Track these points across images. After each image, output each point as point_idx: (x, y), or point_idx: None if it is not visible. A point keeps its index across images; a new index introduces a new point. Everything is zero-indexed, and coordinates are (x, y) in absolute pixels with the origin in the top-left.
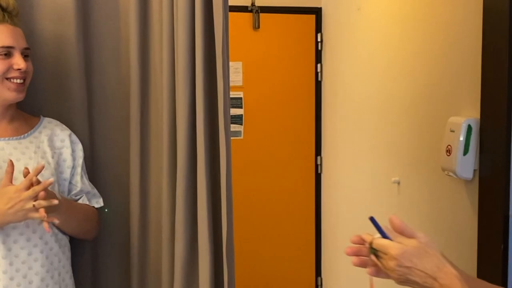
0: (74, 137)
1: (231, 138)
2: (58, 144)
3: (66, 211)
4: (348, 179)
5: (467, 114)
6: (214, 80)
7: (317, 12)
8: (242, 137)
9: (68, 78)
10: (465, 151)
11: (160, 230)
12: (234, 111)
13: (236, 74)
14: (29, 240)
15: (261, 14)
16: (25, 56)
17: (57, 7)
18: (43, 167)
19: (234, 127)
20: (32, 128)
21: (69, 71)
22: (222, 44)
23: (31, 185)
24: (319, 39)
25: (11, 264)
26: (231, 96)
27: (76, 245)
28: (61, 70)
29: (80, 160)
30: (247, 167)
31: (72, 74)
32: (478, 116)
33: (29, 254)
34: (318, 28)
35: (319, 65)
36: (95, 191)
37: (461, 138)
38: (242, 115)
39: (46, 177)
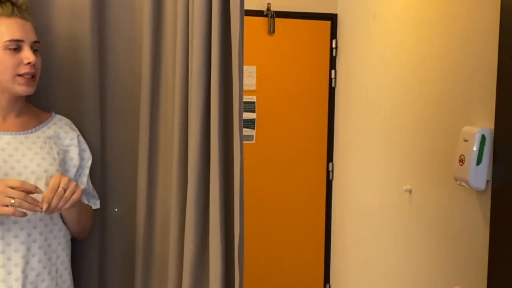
0: (83, 139)
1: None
2: (66, 142)
3: (78, 207)
4: (360, 187)
5: (481, 124)
6: (229, 83)
7: (332, 18)
8: (254, 141)
9: (81, 75)
10: (478, 161)
11: (166, 230)
12: (246, 115)
13: (250, 78)
14: (29, 235)
15: (276, 19)
16: (34, 50)
17: (73, 5)
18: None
19: (246, 131)
20: (41, 123)
21: (82, 68)
22: (238, 48)
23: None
24: (333, 46)
25: (9, 259)
26: (244, 100)
27: (83, 244)
28: (75, 67)
29: (89, 162)
30: (258, 171)
31: (85, 72)
32: (492, 126)
33: (28, 249)
34: (333, 35)
35: (333, 71)
36: (95, 193)
37: (475, 148)
38: (254, 119)
39: (51, 173)
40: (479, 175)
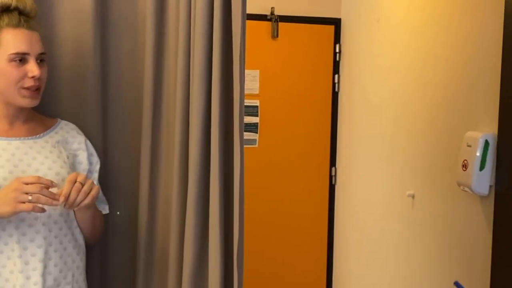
0: (90, 143)
1: (246, 146)
2: (74, 146)
3: (94, 209)
4: (362, 191)
5: (484, 129)
6: (230, 87)
7: (336, 23)
8: (257, 145)
9: (84, 80)
10: (482, 167)
11: (167, 234)
12: (249, 119)
13: (253, 82)
14: (46, 239)
15: (280, 23)
16: (40, 61)
17: (76, 10)
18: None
19: (249, 135)
20: (48, 128)
21: (85, 73)
22: (239, 52)
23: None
24: (337, 50)
25: (26, 263)
26: (247, 104)
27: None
28: (78, 72)
29: (97, 166)
30: (261, 175)
31: (88, 76)
32: (496, 131)
33: (45, 252)
34: (337, 39)
35: (336, 76)
36: (104, 198)
37: (478, 154)
38: (257, 123)
39: (63, 176)
40: (482, 181)
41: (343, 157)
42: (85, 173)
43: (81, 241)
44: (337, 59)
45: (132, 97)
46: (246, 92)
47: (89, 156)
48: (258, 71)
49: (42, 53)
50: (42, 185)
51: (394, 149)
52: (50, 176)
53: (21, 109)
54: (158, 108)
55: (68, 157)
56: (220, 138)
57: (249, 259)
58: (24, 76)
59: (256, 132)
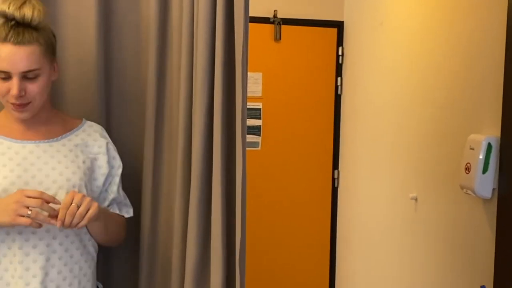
0: (113, 146)
1: (249, 148)
2: (95, 149)
3: (103, 219)
4: (365, 194)
5: (487, 132)
6: (233, 89)
7: (339, 25)
8: (259, 148)
9: (88, 82)
10: (485, 170)
11: (170, 236)
12: (252, 122)
13: (256, 84)
14: (49, 246)
15: (282, 26)
16: (29, 78)
17: (79, 12)
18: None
19: (252, 138)
20: (68, 131)
21: (88, 75)
22: (242, 54)
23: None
24: (340, 53)
25: (27, 269)
26: (250, 106)
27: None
28: (81, 74)
29: (119, 170)
30: (263, 178)
31: (91, 79)
32: (499, 134)
33: (47, 260)
34: (340, 42)
35: (339, 78)
36: (127, 201)
37: (481, 156)
38: (260, 126)
39: (74, 182)
40: (485, 184)
41: (346, 160)
42: (103, 177)
43: (90, 248)
44: (340, 61)
45: (135, 101)
46: (248, 94)
47: (111, 159)
48: (260, 73)
49: (30, 71)
50: (43, 200)
51: (397, 152)
52: (60, 182)
53: (38, 110)
54: (160, 111)
55: (84, 162)
56: (223, 141)
57: (252, 262)
58: (8, 91)
59: (259, 135)
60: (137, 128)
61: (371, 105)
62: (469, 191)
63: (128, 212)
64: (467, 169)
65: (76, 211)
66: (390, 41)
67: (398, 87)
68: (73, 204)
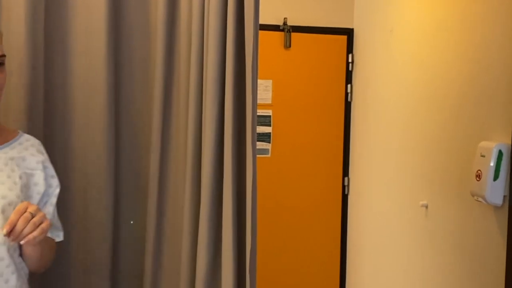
0: (50, 165)
1: (259, 156)
2: (32, 165)
3: (43, 243)
4: (376, 202)
5: (498, 139)
6: (243, 97)
7: (348, 33)
8: (270, 155)
9: (97, 90)
10: (495, 177)
11: (179, 244)
12: (262, 129)
13: (266, 92)
14: None
15: (292, 34)
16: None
17: (89, 20)
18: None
19: (262, 145)
20: (4, 143)
21: (98, 84)
22: (252, 62)
23: None
24: (350, 60)
25: None
26: (260, 114)
27: (95, 257)
28: (91, 83)
29: (57, 190)
30: (274, 185)
31: (100, 87)
32: (509, 141)
33: None
34: (350, 49)
35: (349, 85)
36: (59, 224)
37: (492, 164)
38: (270, 133)
39: (10, 199)
40: (496, 191)
41: (356, 167)
42: (39, 196)
43: (23, 272)
44: (350, 69)
45: (143, 107)
46: (258, 102)
47: (48, 178)
48: (271, 81)
49: (4, 55)
50: None
51: (407, 159)
52: None
53: None
54: (168, 118)
55: (21, 177)
56: (233, 148)
57: (262, 269)
58: None
59: (269, 142)
60: (144, 136)
61: (381, 112)
62: (480, 199)
63: (59, 236)
64: (478, 176)
65: (31, 220)
66: (400, 48)
67: (408, 94)
68: (27, 211)
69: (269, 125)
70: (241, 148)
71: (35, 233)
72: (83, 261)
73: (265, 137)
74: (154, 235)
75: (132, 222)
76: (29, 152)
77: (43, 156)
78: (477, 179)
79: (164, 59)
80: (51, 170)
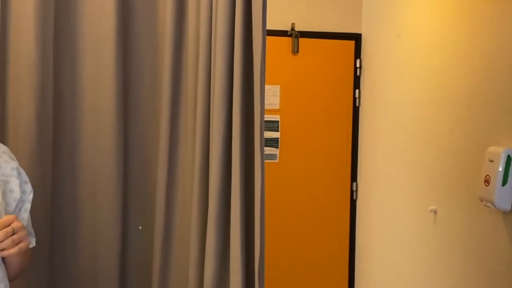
0: (23, 170)
1: (267, 161)
2: (7, 171)
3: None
4: (384, 207)
5: (506, 144)
6: (251, 102)
7: (356, 38)
8: (277, 160)
9: (104, 95)
10: (504, 182)
11: (186, 249)
12: (270, 134)
13: (274, 97)
14: None
15: (300, 39)
16: None
17: (98, 25)
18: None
19: (270, 150)
20: None
21: (106, 90)
22: (260, 67)
23: None
24: (358, 65)
25: None
26: (267, 119)
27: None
28: (99, 87)
29: (31, 196)
30: (282, 190)
31: (108, 91)
32: None
33: None
34: (357, 54)
35: (357, 90)
36: (32, 230)
37: (500, 169)
38: (278, 138)
39: None
40: (505, 196)
41: (364, 172)
42: (15, 203)
43: (6, 281)
44: (358, 74)
45: (151, 113)
46: (266, 107)
47: (22, 184)
48: (278, 86)
49: None
50: None
51: (415, 164)
52: None
53: None
54: (176, 122)
55: None
56: (241, 153)
57: (270, 274)
58: None
59: (277, 147)
60: (153, 140)
61: (389, 117)
62: (488, 204)
63: (32, 242)
64: (487, 181)
65: (11, 235)
66: (408, 53)
67: (416, 99)
68: (11, 226)
69: (277, 130)
70: (249, 153)
71: (10, 251)
72: (91, 268)
73: (273, 142)
74: (162, 241)
75: (140, 227)
76: (3, 159)
77: (16, 163)
78: (486, 184)
79: (172, 66)
80: (25, 176)
